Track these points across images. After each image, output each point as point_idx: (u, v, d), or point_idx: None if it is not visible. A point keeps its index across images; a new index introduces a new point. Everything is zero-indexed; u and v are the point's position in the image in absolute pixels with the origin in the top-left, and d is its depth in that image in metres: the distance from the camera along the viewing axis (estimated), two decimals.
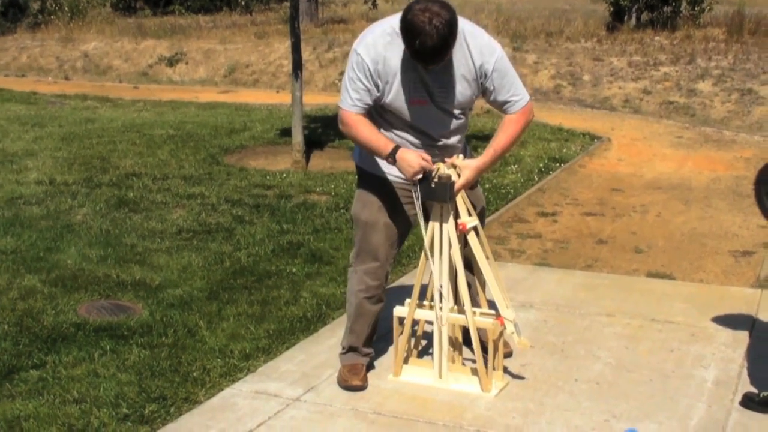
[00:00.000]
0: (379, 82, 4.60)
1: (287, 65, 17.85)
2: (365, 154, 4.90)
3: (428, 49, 4.36)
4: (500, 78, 4.71)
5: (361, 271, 4.99)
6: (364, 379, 5.00)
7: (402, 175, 4.78)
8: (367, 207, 4.92)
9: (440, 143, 4.80)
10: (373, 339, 5.17)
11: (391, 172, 4.83)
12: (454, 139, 4.88)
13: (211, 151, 11.67)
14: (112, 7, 31.72)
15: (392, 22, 4.60)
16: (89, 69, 22.93)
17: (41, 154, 11.43)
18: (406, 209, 4.92)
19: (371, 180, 4.93)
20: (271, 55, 21.22)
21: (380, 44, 4.58)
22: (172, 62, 22.06)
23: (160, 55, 22.49)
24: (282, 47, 20.66)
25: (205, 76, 21.32)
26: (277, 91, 18.95)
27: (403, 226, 4.98)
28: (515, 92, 4.76)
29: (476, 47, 4.62)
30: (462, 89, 4.71)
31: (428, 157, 4.66)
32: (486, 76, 4.69)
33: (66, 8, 28.07)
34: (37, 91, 19.21)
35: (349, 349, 5.11)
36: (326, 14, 26.82)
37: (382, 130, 4.76)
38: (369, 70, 4.57)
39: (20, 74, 23.03)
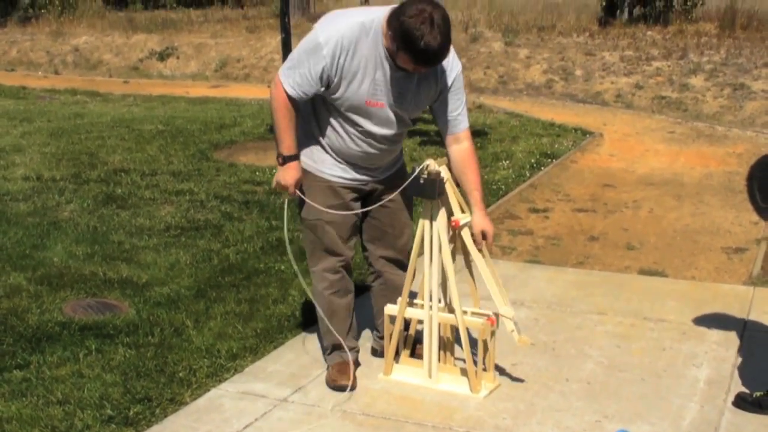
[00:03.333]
0: (334, 78, 4.45)
1: (278, 60, 17.77)
2: (307, 152, 4.79)
3: (435, 49, 4.26)
4: (456, 92, 4.70)
5: (320, 269, 4.91)
6: (353, 378, 4.94)
7: (345, 176, 4.76)
8: (312, 208, 4.79)
9: (383, 146, 4.72)
10: (354, 331, 5.10)
11: (335, 173, 4.76)
12: (396, 145, 4.84)
13: (200, 147, 11.60)
14: (103, 1, 31.62)
15: (365, 17, 4.45)
16: (80, 63, 22.84)
17: (29, 149, 11.35)
18: (352, 206, 4.84)
19: (314, 179, 4.78)
20: (262, 50, 21.15)
21: (347, 38, 4.40)
22: (162, 57, 21.98)
23: (150, 50, 22.41)
24: (273, 41, 20.58)
25: (196, 70, 21.23)
26: (268, 86, 18.71)
27: (353, 220, 4.88)
28: (464, 110, 4.77)
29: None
30: (423, 97, 4.65)
31: (296, 186, 4.67)
32: (447, 87, 4.66)
33: (57, 2, 27.99)
34: (27, 86, 19.15)
35: (333, 348, 5.05)
36: (319, 8, 26.72)
37: (326, 127, 4.70)
38: (325, 66, 4.41)
39: (10, 68, 22.94)
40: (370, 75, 4.48)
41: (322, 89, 4.50)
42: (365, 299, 5.49)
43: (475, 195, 4.77)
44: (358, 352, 5.15)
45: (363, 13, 4.52)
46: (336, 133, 4.68)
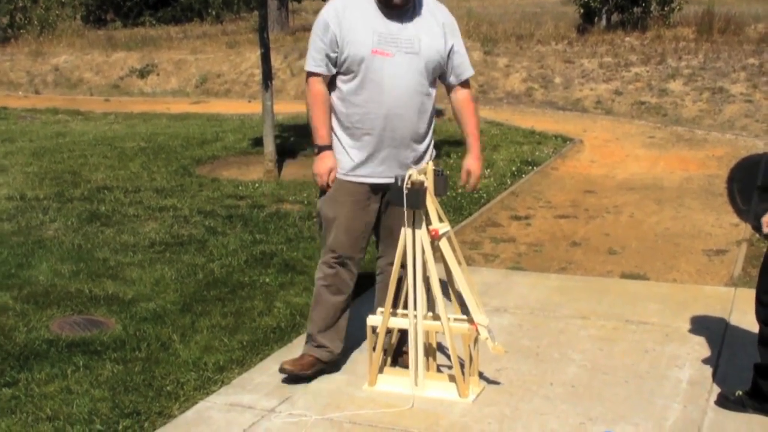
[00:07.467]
0: (338, 33, 4.78)
1: (259, 74, 17.79)
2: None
3: None
4: (457, 39, 5.03)
5: (321, 261, 5.12)
6: (301, 369, 5.10)
7: (369, 178, 4.91)
8: (330, 201, 5.01)
9: (405, 104, 4.86)
10: (333, 333, 5.17)
11: (358, 173, 4.92)
12: (421, 113, 4.95)
13: (182, 163, 11.63)
14: (82, 19, 31.62)
15: None
16: (60, 82, 22.82)
17: (12, 169, 11.35)
18: (368, 212, 5.00)
19: (337, 181, 4.99)
20: (242, 65, 21.18)
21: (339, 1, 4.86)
22: (143, 74, 21.99)
23: (131, 67, 22.41)
24: (253, 56, 20.61)
25: (177, 87, 21.25)
26: (249, 101, 18.91)
27: (365, 224, 5.04)
28: (466, 59, 5.10)
29: (436, 4, 5.00)
30: (430, 40, 4.89)
31: (333, 175, 4.93)
32: (446, 25, 4.99)
33: (35, 22, 27.94)
34: (8, 106, 19.10)
35: (308, 338, 5.21)
36: (297, 22, 26.78)
37: (348, 113, 4.89)
38: (327, 24, 4.81)
39: None
40: (371, 26, 4.79)
41: (335, 54, 4.82)
42: (361, 306, 5.50)
43: (469, 140, 5.08)
44: (330, 353, 5.20)
45: None
46: (361, 108, 4.86)
